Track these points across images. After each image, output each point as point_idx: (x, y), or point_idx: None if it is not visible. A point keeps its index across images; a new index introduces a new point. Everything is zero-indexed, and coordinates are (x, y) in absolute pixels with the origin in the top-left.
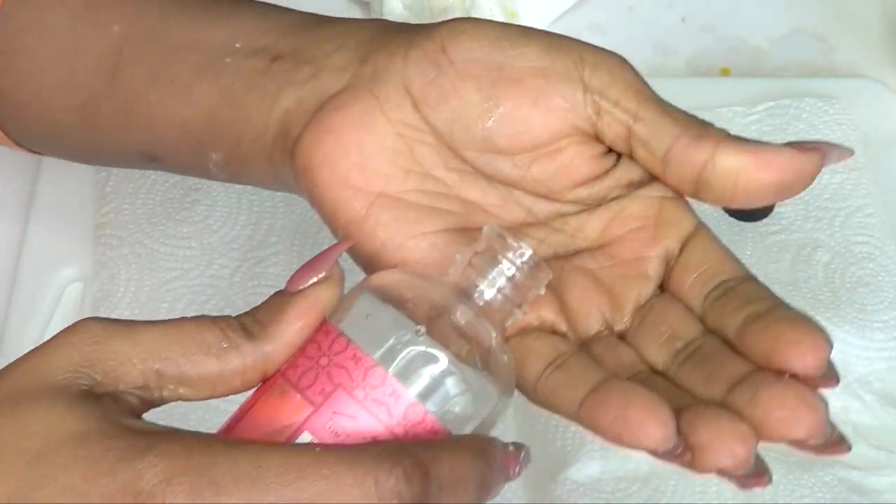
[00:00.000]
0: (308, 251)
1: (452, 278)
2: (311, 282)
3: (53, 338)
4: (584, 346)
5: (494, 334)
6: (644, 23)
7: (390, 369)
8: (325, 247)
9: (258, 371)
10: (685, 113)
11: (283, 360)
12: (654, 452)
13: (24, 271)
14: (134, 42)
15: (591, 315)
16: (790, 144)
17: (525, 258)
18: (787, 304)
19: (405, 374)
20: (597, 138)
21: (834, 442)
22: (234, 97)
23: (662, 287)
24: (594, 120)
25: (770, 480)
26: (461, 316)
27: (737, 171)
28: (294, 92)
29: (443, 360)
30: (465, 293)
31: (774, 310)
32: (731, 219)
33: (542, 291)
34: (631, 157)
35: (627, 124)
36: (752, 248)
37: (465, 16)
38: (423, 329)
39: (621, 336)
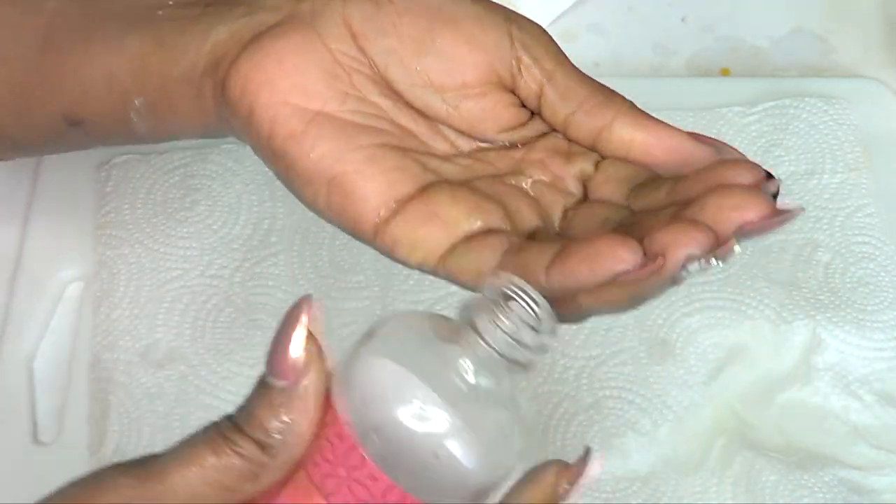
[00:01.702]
0: (308, 251)
1: (466, 339)
2: (293, 366)
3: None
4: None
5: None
6: (644, 23)
7: (408, 490)
8: (325, 247)
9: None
10: (595, 82)
11: (298, 458)
12: (626, 274)
13: (24, 271)
14: (68, 12)
15: (530, 219)
16: (691, 133)
17: (540, 310)
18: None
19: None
20: (513, 91)
21: (783, 210)
22: (165, 41)
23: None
24: (514, 72)
25: (801, 208)
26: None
27: (629, 142)
28: (226, 28)
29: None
30: (479, 354)
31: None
32: None
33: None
34: (539, 114)
35: (541, 83)
36: (753, 248)
37: None
38: (441, 453)
39: (558, 234)
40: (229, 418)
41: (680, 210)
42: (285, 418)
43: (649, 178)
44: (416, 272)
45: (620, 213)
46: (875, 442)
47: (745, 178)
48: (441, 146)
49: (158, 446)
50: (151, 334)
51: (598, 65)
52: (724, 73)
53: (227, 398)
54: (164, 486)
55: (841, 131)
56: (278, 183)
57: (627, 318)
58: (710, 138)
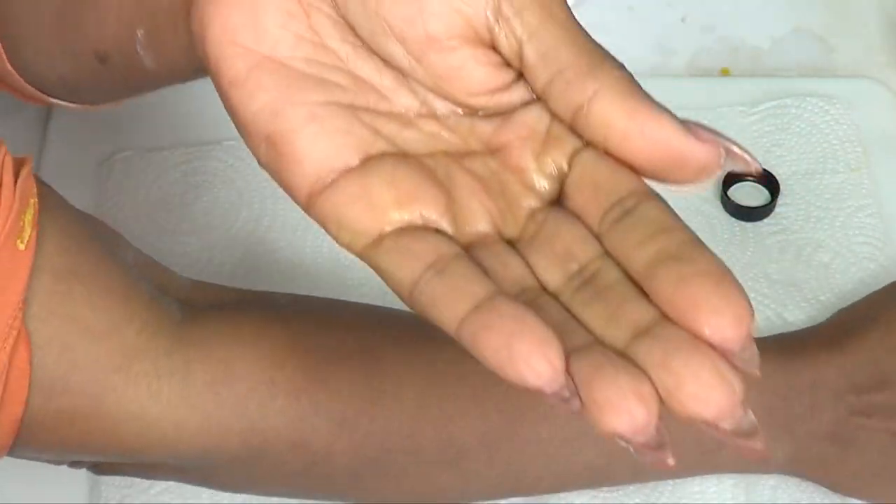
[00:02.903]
0: (308, 248)
1: None
2: None
3: None
4: (469, 250)
5: None
6: (644, 23)
7: None
8: (325, 244)
9: None
10: (589, 43)
11: None
12: (539, 392)
13: None
14: None
15: (480, 215)
16: (693, 123)
17: None
18: (697, 239)
19: None
20: (493, 48)
21: (743, 432)
22: None
23: (557, 205)
24: (491, 24)
25: (673, 461)
26: None
27: (607, 126)
28: None
29: None
30: None
31: (686, 250)
32: (732, 219)
33: None
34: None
35: (521, 40)
36: (753, 248)
37: None
38: None
39: (510, 244)
40: None
41: (639, 336)
42: None
43: (630, 193)
44: None
45: (589, 253)
46: None
47: (724, 334)
48: (408, 102)
49: None
50: None
51: None
52: (724, 73)
53: None
54: None
55: (841, 131)
56: None
57: None
58: (712, 132)
